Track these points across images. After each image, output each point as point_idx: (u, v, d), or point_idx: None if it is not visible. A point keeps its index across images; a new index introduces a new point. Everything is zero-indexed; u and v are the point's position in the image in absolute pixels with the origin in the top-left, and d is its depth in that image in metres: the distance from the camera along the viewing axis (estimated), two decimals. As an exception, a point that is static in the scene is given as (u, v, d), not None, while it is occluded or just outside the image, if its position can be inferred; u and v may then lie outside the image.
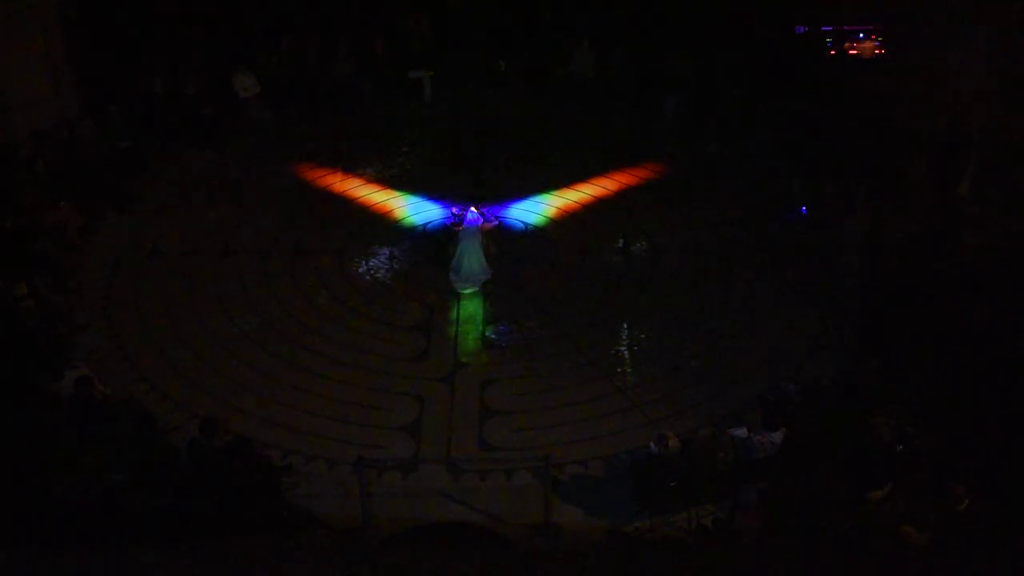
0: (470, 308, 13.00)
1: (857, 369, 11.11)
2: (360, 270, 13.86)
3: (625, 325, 12.70)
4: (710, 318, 12.79)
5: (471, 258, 13.33)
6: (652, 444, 9.94)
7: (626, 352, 12.21)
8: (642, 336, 12.50)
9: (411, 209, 15.29)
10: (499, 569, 3.24)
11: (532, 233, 14.72)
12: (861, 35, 16.75)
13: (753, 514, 9.14)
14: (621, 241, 14.45)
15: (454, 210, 14.09)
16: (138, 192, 15.39)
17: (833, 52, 16.86)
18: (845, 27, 16.83)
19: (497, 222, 14.04)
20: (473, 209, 13.52)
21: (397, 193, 15.76)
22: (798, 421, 10.17)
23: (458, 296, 13.20)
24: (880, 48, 16.52)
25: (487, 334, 12.54)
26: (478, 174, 16.08)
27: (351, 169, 16.33)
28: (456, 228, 13.55)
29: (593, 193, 15.72)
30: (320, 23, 19.12)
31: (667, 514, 9.71)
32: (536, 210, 15.24)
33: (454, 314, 12.89)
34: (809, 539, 8.40)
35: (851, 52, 16.75)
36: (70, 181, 14.54)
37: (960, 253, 12.80)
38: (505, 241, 14.18)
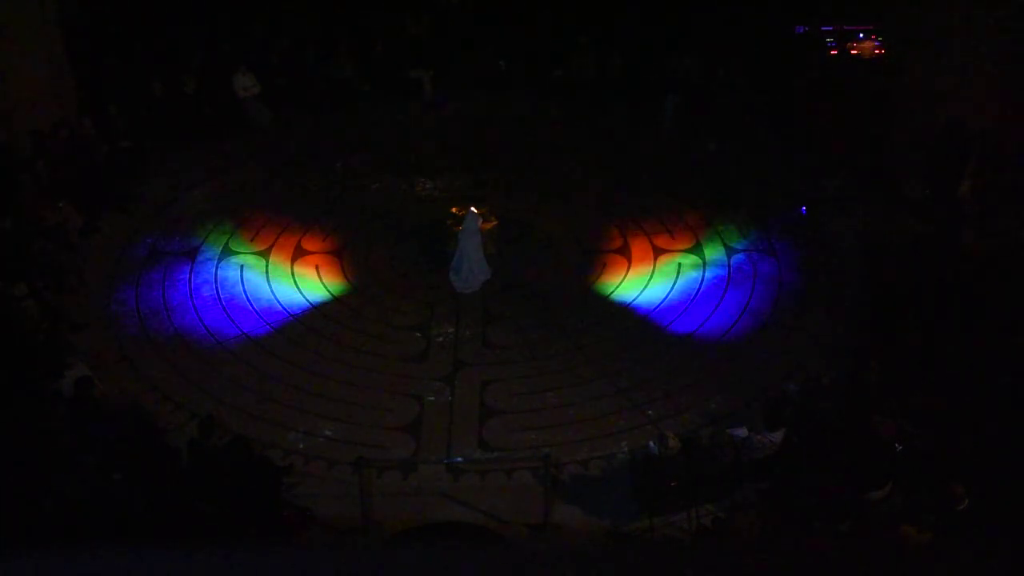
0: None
1: (857, 369, 11.11)
2: (360, 269, 13.88)
3: (626, 325, 12.70)
4: (710, 318, 12.80)
5: (471, 258, 13.33)
6: (652, 444, 9.94)
7: (626, 352, 12.20)
8: (642, 336, 12.50)
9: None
10: (499, 569, 3.23)
11: (531, 233, 14.72)
12: (861, 35, 16.76)
13: (753, 514, 9.14)
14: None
15: (454, 209, 14.08)
16: (138, 192, 15.41)
17: (833, 52, 16.88)
18: (845, 27, 16.84)
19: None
20: (473, 209, 13.52)
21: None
22: (798, 421, 10.18)
23: (458, 296, 13.20)
24: (880, 48, 16.53)
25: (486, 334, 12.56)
26: (478, 174, 16.12)
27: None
28: (456, 228, 13.55)
29: (593, 193, 15.72)
30: (320, 23, 19.13)
31: (667, 514, 9.72)
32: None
33: (454, 314, 12.90)
34: (809, 539, 8.40)
35: (851, 52, 16.76)
36: (70, 181, 14.55)
37: (960, 253, 12.81)
38: (505, 241, 14.19)
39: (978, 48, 13.71)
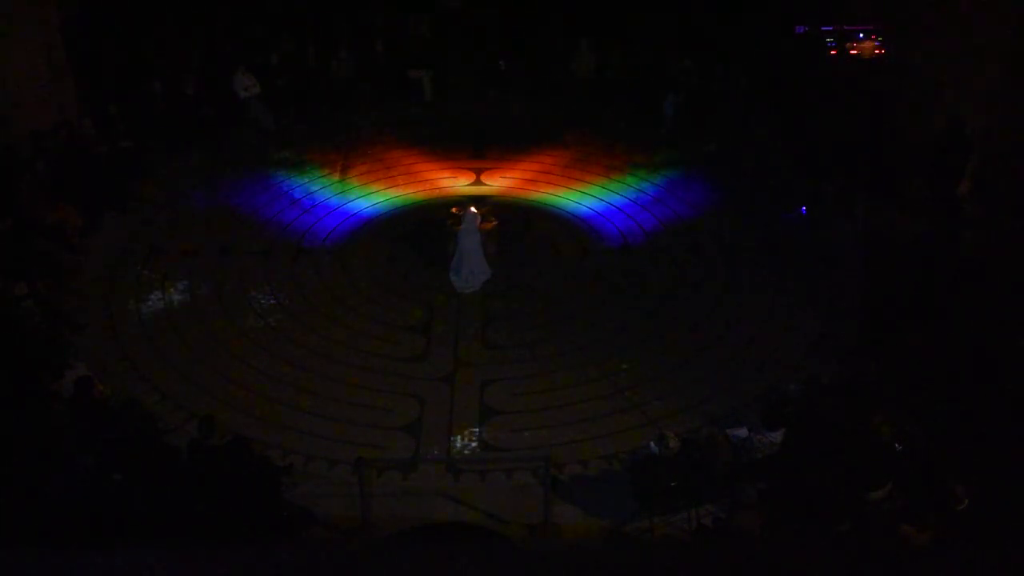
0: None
1: (857, 369, 11.11)
2: (360, 270, 13.88)
3: (625, 325, 12.70)
4: (710, 318, 12.80)
5: (471, 258, 13.33)
6: (652, 444, 9.93)
7: (626, 352, 12.20)
8: (642, 336, 12.50)
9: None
10: (499, 569, 3.23)
11: (531, 232, 14.73)
12: (861, 35, 16.76)
13: (753, 514, 9.13)
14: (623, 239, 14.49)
15: (453, 209, 14.08)
16: (138, 192, 15.41)
17: (833, 52, 16.88)
18: (845, 27, 16.84)
19: None
20: (473, 209, 13.52)
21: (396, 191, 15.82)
22: (798, 421, 10.17)
23: (458, 296, 13.20)
24: (880, 48, 16.53)
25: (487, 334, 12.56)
26: (477, 173, 16.16)
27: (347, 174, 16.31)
28: (455, 228, 13.55)
29: (593, 193, 15.74)
30: (320, 23, 19.15)
31: (667, 514, 9.71)
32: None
33: (454, 314, 12.90)
34: (809, 539, 8.40)
35: (851, 52, 16.77)
36: (70, 181, 14.55)
37: (960, 253, 12.81)
38: (505, 241, 14.19)
39: (978, 48, 13.71)
